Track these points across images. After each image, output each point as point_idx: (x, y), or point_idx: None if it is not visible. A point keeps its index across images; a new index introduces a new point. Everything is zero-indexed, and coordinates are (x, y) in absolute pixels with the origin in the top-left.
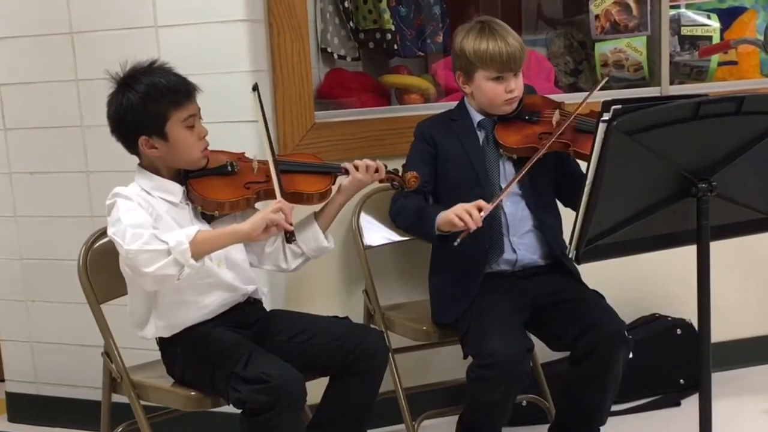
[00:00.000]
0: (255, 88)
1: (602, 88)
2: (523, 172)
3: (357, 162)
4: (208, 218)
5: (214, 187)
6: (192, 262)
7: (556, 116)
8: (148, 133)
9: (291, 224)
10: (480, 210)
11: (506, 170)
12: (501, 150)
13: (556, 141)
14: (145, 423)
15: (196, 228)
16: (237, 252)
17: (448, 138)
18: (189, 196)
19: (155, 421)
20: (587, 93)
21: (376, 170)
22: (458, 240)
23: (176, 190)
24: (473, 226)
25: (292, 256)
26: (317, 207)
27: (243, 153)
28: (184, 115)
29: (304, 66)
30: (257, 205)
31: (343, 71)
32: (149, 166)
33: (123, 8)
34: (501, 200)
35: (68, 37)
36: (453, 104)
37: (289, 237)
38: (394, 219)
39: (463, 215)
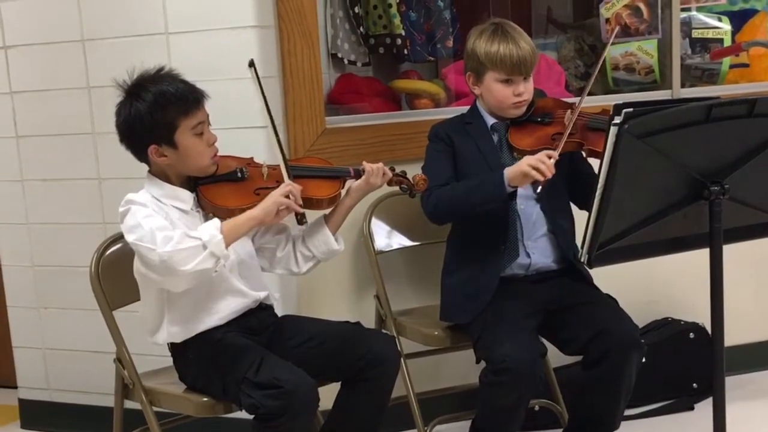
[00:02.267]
0: (251, 64)
1: (613, 92)
2: (565, 136)
3: (366, 165)
4: None
5: (225, 194)
6: (226, 253)
7: (568, 116)
8: (157, 141)
9: (301, 205)
10: (549, 158)
11: None
12: (515, 153)
13: (571, 141)
14: (157, 429)
15: (216, 221)
16: (249, 258)
17: (463, 139)
18: (200, 204)
19: (167, 427)
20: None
21: (383, 173)
22: (539, 188)
23: (187, 197)
24: (550, 174)
25: (303, 259)
26: (326, 211)
27: (252, 158)
28: (193, 123)
29: (315, 71)
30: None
31: (354, 76)
32: (159, 174)
33: (134, 15)
34: (563, 144)
35: (80, 44)
36: (463, 109)
37: (300, 218)
38: (434, 209)
39: (537, 165)
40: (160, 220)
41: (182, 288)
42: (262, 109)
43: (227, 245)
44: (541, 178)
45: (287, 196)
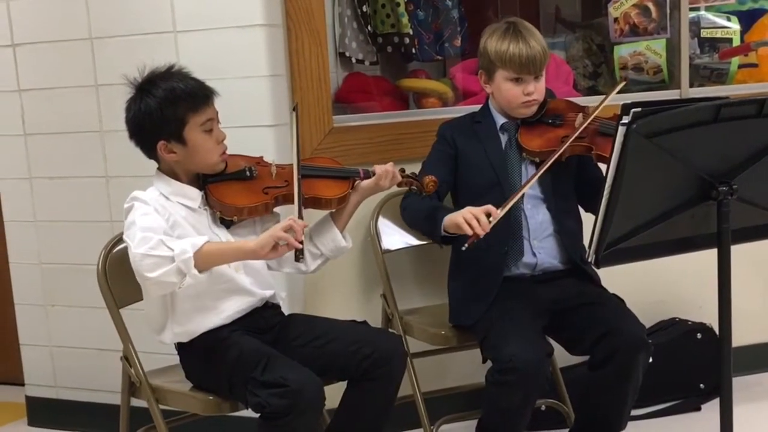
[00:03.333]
0: (295, 108)
1: (621, 92)
2: (537, 176)
3: (382, 168)
4: (227, 223)
5: (233, 193)
6: (194, 272)
7: (579, 120)
8: (166, 137)
9: (301, 242)
10: (489, 215)
11: (528, 173)
12: (523, 153)
13: (579, 144)
14: (163, 427)
15: (204, 238)
16: None
17: (469, 140)
18: (207, 201)
19: (174, 425)
20: (605, 96)
21: (393, 176)
22: (466, 245)
23: (195, 195)
24: (480, 232)
25: (311, 257)
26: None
27: (261, 157)
28: (202, 120)
29: (323, 70)
30: (276, 209)
31: (362, 75)
32: (168, 171)
33: (142, 14)
34: (510, 206)
35: (88, 42)
36: (471, 108)
37: (298, 255)
38: (402, 213)
39: (470, 220)
40: (152, 220)
41: (153, 294)
42: (293, 149)
43: (203, 266)
44: (470, 233)
45: (287, 231)
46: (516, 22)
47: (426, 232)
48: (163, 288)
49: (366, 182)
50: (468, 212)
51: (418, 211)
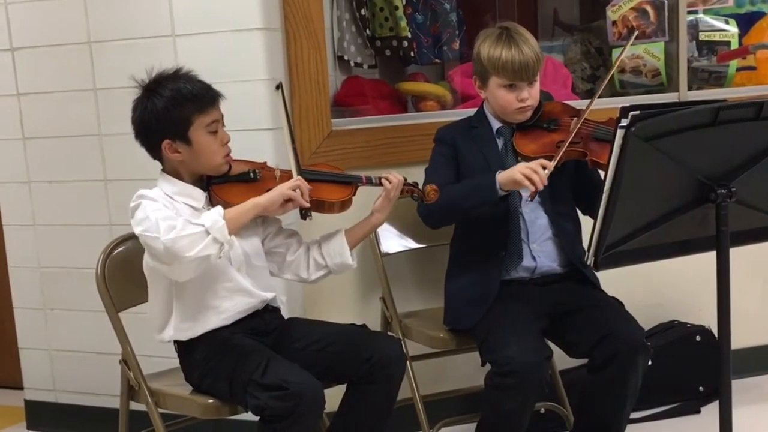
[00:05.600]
0: (279, 86)
1: (619, 94)
2: (579, 123)
3: (389, 175)
4: None
5: (237, 193)
6: (229, 238)
7: (574, 124)
8: (171, 137)
9: (307, 201)
10: (544, 168)
11: None
12: (519, 158)
13: (574, 150)
14: (163, 431)
15: (220, 208)
16: (257, 258)
17: (468, 145)
18: (211, 202)
19: (173, 428)
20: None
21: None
22: (529, 198)
23: (199, 195)
24: (541, 186)
25: (315, 267)
26: (337, 217)
27: (265, 162)
28: (208, 121)
29: (321, 74)
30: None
31: (360, 79)
32: (172, 172)
33: (140, 18)
34: (560, 157)
35: (86, 46)
36: (469, 111)
37: (304, 213)
38: (430, 213)
39: (530, 174)
40: (166, 212)
41: (188, 276)
42: (285, 128)
43: (230, 231)
44: (532, 188)
45: (294, 190)
46: (509, 28)
47: (474, 205)
48: (201, 264)
49: (378, 202)
50: (524, 168)
51: (451, 196)
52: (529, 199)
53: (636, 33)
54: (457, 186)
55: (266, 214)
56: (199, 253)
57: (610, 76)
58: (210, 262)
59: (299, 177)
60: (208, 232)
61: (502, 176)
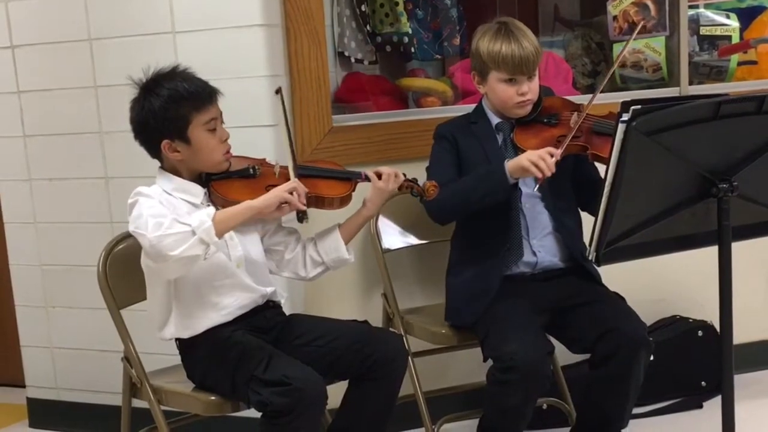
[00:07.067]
0: (278, 91)
1: (620, 89)
2: (568, 139)
3: (380, 169)
4: None
5: (236, 190)
6: (216, 240)
7: (574, 119)
8: (170, 136)
9: (304, 204)
10: (551, 156)
11: None
12: (519, 153)
13: (575, 144)
14: (165, 428)
15: (211, 209)
16: (256, 254)
17: (468, 140)
18: (210, 198)
19: (175, 426)
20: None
21: (395, 176)
22: (536, 187)
23: (197, 191)
24: (549, 173)
25: (312, 264)
26: (337, 212)
27: (264, 159)
28: (206, 119)
29: (322, 70)
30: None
31: (361, 75)
32: (171, 170)
33: (141, 15)
34: (567, 145)
35: (87, 43)
36: (470, 107)
37: (301, 216)
38: (441, 208)
39: (537, 162)
40: (159, 209)
41: (176, 274)
42: (283, 131)
43: (219, 233)
44: (540, 176)
45: (291, 193)
46: (507, 22)
47: (484, 195)
48: (186, 265)
49: (370, 193)
50: (532, 155)
51: (459, 189)
52: (537, 186)
53: (639, 27)
54: (465, 178)
55: (261, 217)
56: (183, 252)
57: (611, 72)
58: (198, 262)
59: (296, 179)
60: (194, 233)
61: (510, 164)
